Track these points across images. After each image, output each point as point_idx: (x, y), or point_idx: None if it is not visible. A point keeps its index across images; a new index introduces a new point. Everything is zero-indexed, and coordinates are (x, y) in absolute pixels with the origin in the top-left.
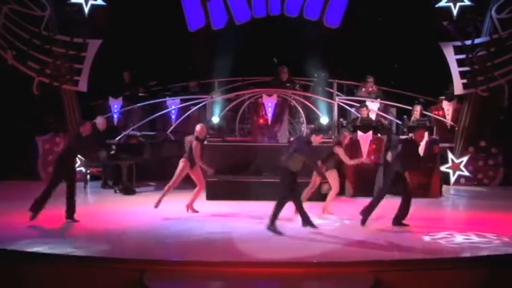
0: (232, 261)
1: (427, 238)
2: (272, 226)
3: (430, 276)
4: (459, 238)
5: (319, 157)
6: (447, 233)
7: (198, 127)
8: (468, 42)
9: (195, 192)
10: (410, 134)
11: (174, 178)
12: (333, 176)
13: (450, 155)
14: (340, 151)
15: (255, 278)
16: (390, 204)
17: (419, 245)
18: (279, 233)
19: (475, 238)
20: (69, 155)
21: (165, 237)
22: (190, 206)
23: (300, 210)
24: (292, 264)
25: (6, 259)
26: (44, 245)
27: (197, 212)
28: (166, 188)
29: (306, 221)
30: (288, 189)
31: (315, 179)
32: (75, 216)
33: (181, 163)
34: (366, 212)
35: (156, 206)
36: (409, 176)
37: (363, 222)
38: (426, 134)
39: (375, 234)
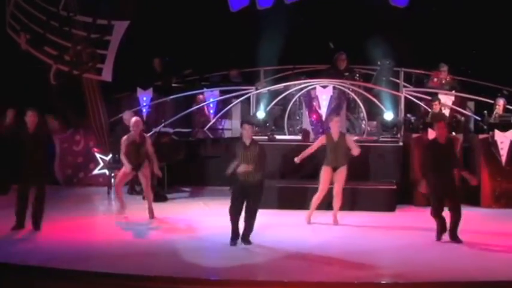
0: (279, 281)
1: (510, 256)
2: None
3: None
4: None
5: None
6: None
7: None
8: None
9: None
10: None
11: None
12: (339, 178)
13: None
14: (349, 138)
15: None
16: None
17: (500, 264)
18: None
19: None
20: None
21: (202, 251)
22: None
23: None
24: (352, 285)
25: (23, 276)
26: (63, 259)
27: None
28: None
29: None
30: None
31: (323, 185)
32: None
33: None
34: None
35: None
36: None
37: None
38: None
39: (447, 251)
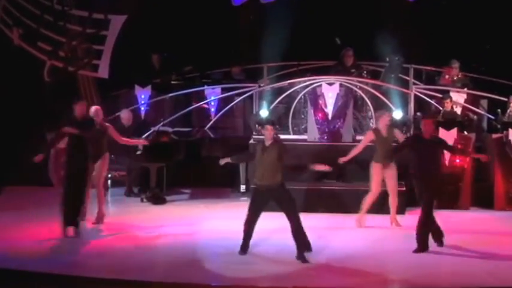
0: (283, 286)
1: None
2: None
3: None
4: None
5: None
6: None
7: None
8: None
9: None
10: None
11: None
12: (391, 175)
13: None
14: (398, 132)
15: None
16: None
17: None
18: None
19: None
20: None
21: (203, 256)
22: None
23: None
24: None
25: (21, 282)
26: (61, 265)
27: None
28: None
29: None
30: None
31: (375, 186)
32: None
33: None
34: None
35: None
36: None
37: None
38: None
39: (457, 255)
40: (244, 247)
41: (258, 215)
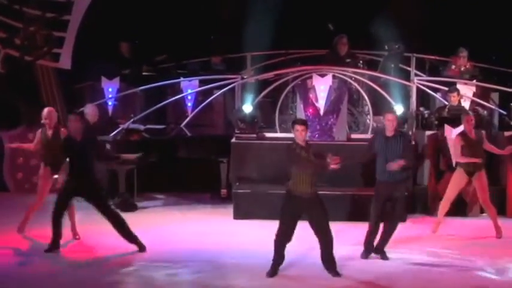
0: None
1: None
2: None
3: None
4: None
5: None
6: None
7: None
8: None
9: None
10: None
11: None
12: (480, 185)
13: None
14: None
15: None
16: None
17: None
18: None
19: None
20: None
21: (178, 271)
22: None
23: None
24: None
25: None
26: (16, 283)
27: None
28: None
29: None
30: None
31: (452, 190)
32: None
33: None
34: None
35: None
36: None
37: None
38: None
39: (464, 268)
40: (275, 266)
41: (292, 231)
